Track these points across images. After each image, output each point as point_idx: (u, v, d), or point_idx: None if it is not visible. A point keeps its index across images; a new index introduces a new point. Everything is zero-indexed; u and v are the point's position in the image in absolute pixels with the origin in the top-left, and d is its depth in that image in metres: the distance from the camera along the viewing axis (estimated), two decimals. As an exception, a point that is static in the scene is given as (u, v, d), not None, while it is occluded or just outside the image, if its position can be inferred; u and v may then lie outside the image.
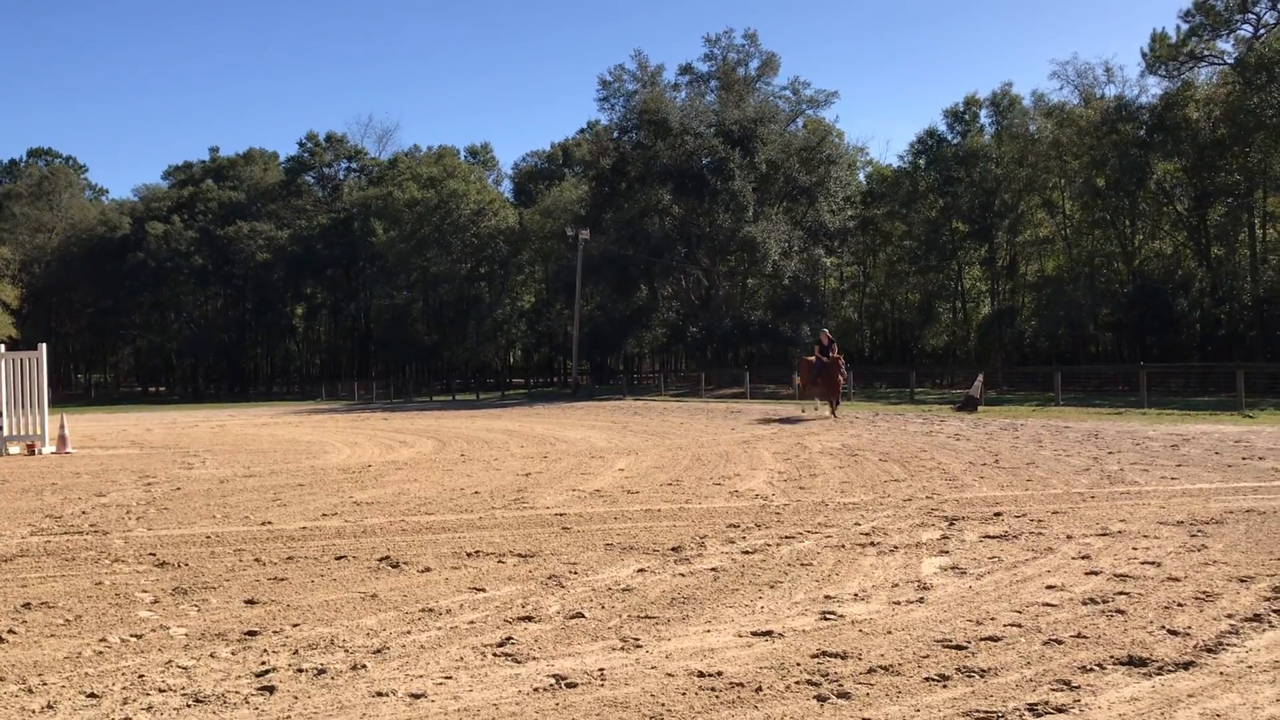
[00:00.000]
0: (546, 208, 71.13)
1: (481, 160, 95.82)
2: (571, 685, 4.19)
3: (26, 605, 5.85)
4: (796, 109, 60.12)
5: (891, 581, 6.10)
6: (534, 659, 4.60)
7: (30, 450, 18.63)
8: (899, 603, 5.55)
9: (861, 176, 68.04)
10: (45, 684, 4.34)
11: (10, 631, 5.25)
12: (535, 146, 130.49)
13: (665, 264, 55.78)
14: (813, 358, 25.89)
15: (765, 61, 60.25)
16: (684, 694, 4.06)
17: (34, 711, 3.98)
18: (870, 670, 4.33)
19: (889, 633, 4.93)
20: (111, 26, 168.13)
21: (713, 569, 6.54)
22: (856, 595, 5.75)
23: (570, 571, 6.55)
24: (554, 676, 4.31)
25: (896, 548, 7.16)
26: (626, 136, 58.55)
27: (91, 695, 4.18)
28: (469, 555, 7.18)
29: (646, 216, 56.54)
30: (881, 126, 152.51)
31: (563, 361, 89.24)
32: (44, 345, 19.86)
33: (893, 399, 37.81)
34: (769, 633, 4.96)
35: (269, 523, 8.94)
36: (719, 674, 4.30)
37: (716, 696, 4.02)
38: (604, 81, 58.88)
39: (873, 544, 7.31)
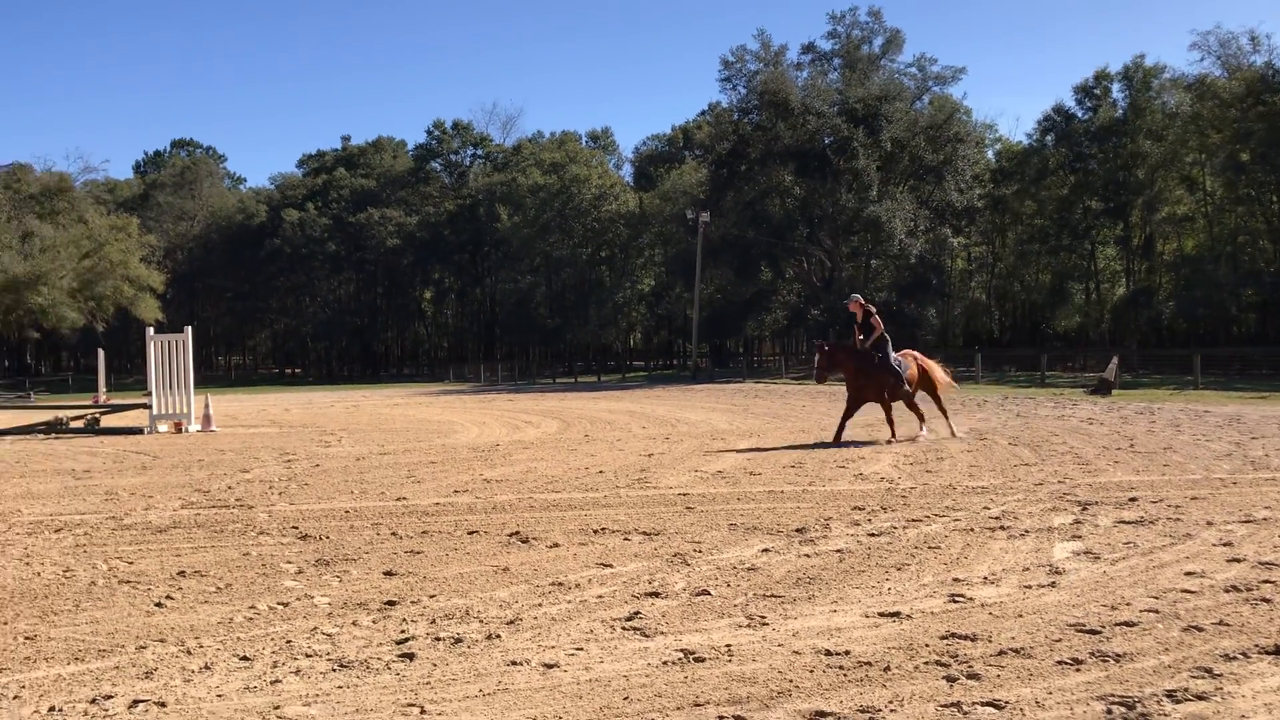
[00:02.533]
0: (666, 191, 71.24)
1: (602, 145, 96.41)
2: (699, 660, 4.26)
3: (181, 573, 6.19)
4: (922, 86, 58.85)
5: (1022, 565, 6.00)
6: (662, 634, 4.68)
7: (178, 428, 19.56)
8: (1030, 586, 5.47)
9: (990, 154, 66.26)
10: (202, 646, 4.61)
11: (168, 597, 5.57)
12: (655, 130, 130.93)
13: (786, 246, 55.38)
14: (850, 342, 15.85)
15: (890, 38, 59.08)
16: (811, 671, 4.09)
17: (193, 671, 4.23)
18: (1001, 652, 4.29)
19: (1020, 616, 4.87)
20: (250, 21, 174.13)
21: (838, 550, 6.53)
22: (986, 579, 5.68)
23: (695, 550, 6.62)
24: (682, 651, 4.38)
25: (1027, 532, 7.04)
26: (747, 118, 58.18)
27: (244, 658, 4.41)
28: (595, 532, 7.32)
29: (767, 198, 56.17)
30: (1011, 103, 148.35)
31: (682, 344, 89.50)
32: (189, 328, 20.80)
33: (1022, 382, 36.88)
34: (896, 614, 4.95)
35: (404, 498, 9.24)
36: (846, 653, 4.32)
37: (844, 674, 4.04)
38: (726, 62, 58.54)
39: (1002, 528, 7.20)
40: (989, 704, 3.69)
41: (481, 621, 4.92)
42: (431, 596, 5.47)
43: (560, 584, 5.70)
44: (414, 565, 6.30)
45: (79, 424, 20.83)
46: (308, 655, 4.42)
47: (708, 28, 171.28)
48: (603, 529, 7.43)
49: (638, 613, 5.03)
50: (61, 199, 52.58)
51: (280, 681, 4.07)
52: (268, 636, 4.74)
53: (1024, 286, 64.34)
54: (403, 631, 4.78)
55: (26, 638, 4.80)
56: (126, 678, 4.17)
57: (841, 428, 14.50)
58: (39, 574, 6.27)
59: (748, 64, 58.09)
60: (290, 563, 6.44)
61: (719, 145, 59.53)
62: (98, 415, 21.25)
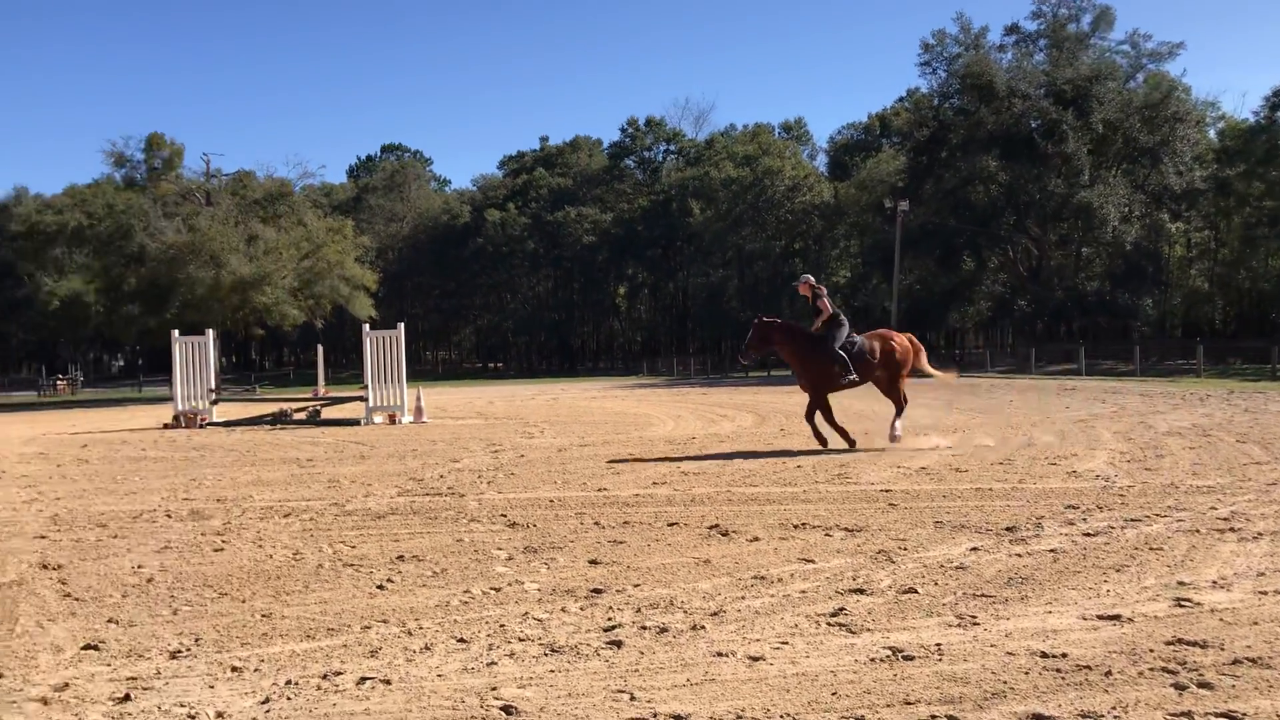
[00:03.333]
0: (862, 180, 69.99)
1: (795, 136, 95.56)
2: (908, 658, 4.18)
3: (400, 558, 6.49)
4: (1136, 64, 55.82)
5: (1256, 570, 5.62)
6: (868, 630, 4.61)
7: (391, 420, 20.52)
8: (1265, 593, 5.11)
9: (1212, 134, 62.15)
10: (421, 628, 4.82)
11: (389, 580, 5.85)
12: (851, 118, 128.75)
13: (990, 234, 53.57)
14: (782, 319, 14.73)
15: (1099, 15, 56.27)
16: (1027, 673, 3.95)
17: (415, 651, 4.43)
18: (1235, 661, 4.03)
19: (1255, 624, 4.56)
20: (454, 32, 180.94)
21: (1051, 550, 6.28)
22: (1215, 583, 5.34)
23: (900, 547, 6.49)
24: (889, 648, 4.30)
25: (1261, 534, 6.58)
26: (948, 102, 56.59)
27: (461, 640, 4.59)
28: (796, 527, 7.27)
29: (970, 185, 54.48)
30: (1235, 78, 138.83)
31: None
32: (401, 325, 21.78)
33: (1250, 376, 34.50)
34: (1116, 617, 4.71)
35: (604, 489, 9.42)
36: (1063, 655, 4.15)
37: (1062, 678, 3.88)
38: (925, 46, 57.09)
39: (1232, 529, 6.76)
40: (1223, 715, 3.47)
41: (686, 612, 4.97)
42: (636, 586, 5.56)
43: (762, 578, 5.69)
44: (617, 555, 6.41)
45: (301, 415, 22.14)
46: (520, 639, 4.57)
47: (904, 13, 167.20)
48: (803, 524, 7.38)
49: (842, 609, 4.97)
50: (282, 203, 55.84)
51: (496, 664, 4.22)
52: (482, 620, 4.92)
53: (1250, 274, 60.08)
54: (609, 619, 4.87)
55: (263, 615, 5.13)
56: (353, 655, 4.41)
57: (812, 423, 13.17)
58: (271, 556, 6.69)
59: (948, 47, 56.50)
60: (500, 549, 6.66)
61: (918, 132, 58.13)
62: (319, 407, 22.54)
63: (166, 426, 21.98)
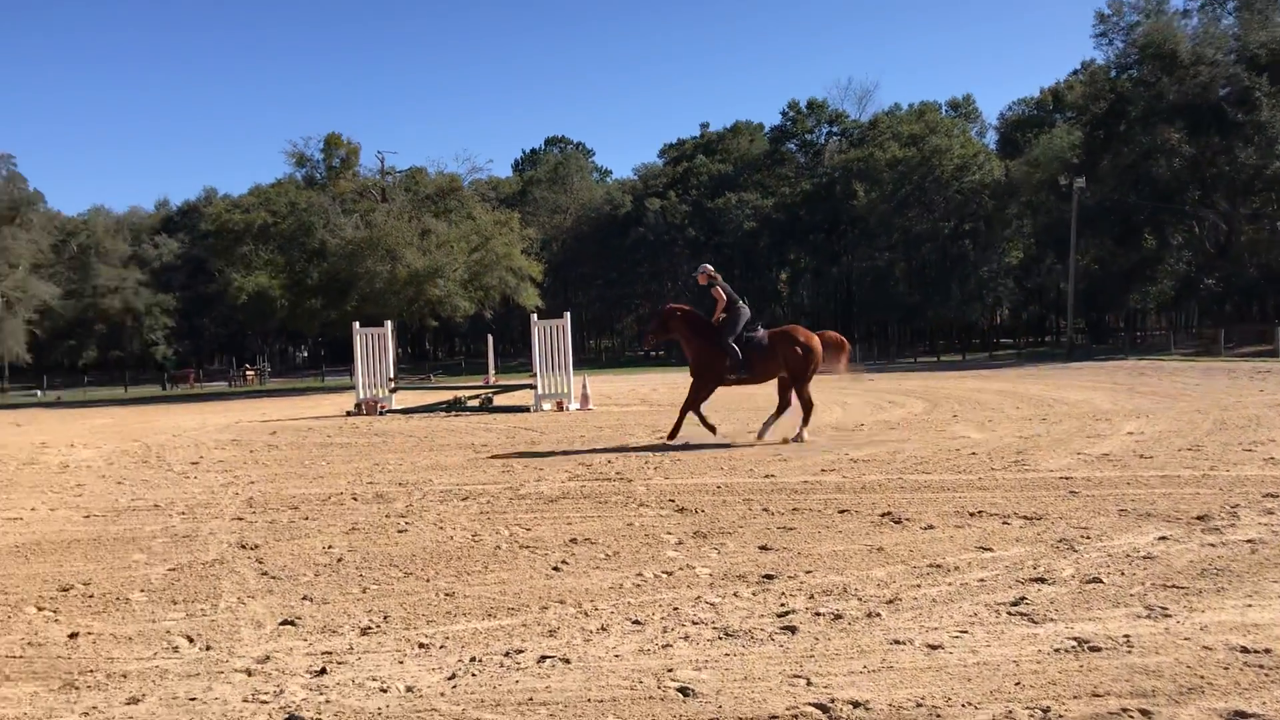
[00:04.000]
0: (1034, 157, 67.34)
1: (963, 113, 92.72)
2: (1095, 649, 4.04)
3: (573, 540, 6.63)
4: (1338, 23, 51.97)
5: None
6: (1051, 620, 4.47)
7: (559, 407, 20.93)
8: None
9: None
10: (597, 609, 4.92)
11: (564, 562, 5.99)
12: (1021, 93, 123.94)
13: (1174, 210, 50.87)
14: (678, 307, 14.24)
15: (1298, -28, 52.62)
16: (1225, 668, 3.76)
17: (591, 632, 4.53)
18: None
19: None
20: (613, 21, 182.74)
21: (1249, 540, 5.95)
22: None
23: (1082, 536, 6.26)
24: (1074, 639, 4.17)
25: None
26: (1126, 73, 53.95)
27: (636, 622, 4.66)
28: (971, 515, 7.09)
29: (1151, 159, 51.81)
30: None
31: (1055, 320, 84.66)
32: (568, 314, 22.17)
33: None
34: (1325, 612, 4.44)
35: (771, 475, 9.39)
36: (1267, 651, 3.93)
37: (1266, 674, 3.69)
38: (1101, 16, 54.52)
39: None
40: None
41: (860, 599, 4.92)
42: (808, 572, 5.53)
43: (938, 566, 5.58)
44: (787, 541, 6.39)
45: (474, 403, 22.80)
46: (694, 622, 4.61)
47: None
48: (979, 511, 7.19)
49: (1023, 598, 4.83)
50: (452, 198, 57.43)
51: (671, 646, 4.27)
52: (655, 603, 4.98)
53: None
54: (782, 605, 4.86)
55: (446, 594, 5.32)
56: (533, 634, 4.53)
57: (697, 413, 13.02)
58: (451, 537, 6.92)
59: (1126, 16, 53.84)
60: (670, 534, 6.73)
61: (1094, 105, 55.62)
62: (490, 395, 23.18)
63: (349, 414, 22.98)
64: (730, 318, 13.09)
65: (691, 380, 13.29)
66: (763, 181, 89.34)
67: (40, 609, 5.39)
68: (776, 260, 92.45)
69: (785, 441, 12.36)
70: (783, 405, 13.08)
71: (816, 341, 13.08)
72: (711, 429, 13.01)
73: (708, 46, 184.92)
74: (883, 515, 7.15)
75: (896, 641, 4.22)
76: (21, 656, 4.52)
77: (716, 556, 6.02)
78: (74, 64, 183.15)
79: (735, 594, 5.11)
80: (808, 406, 12.96)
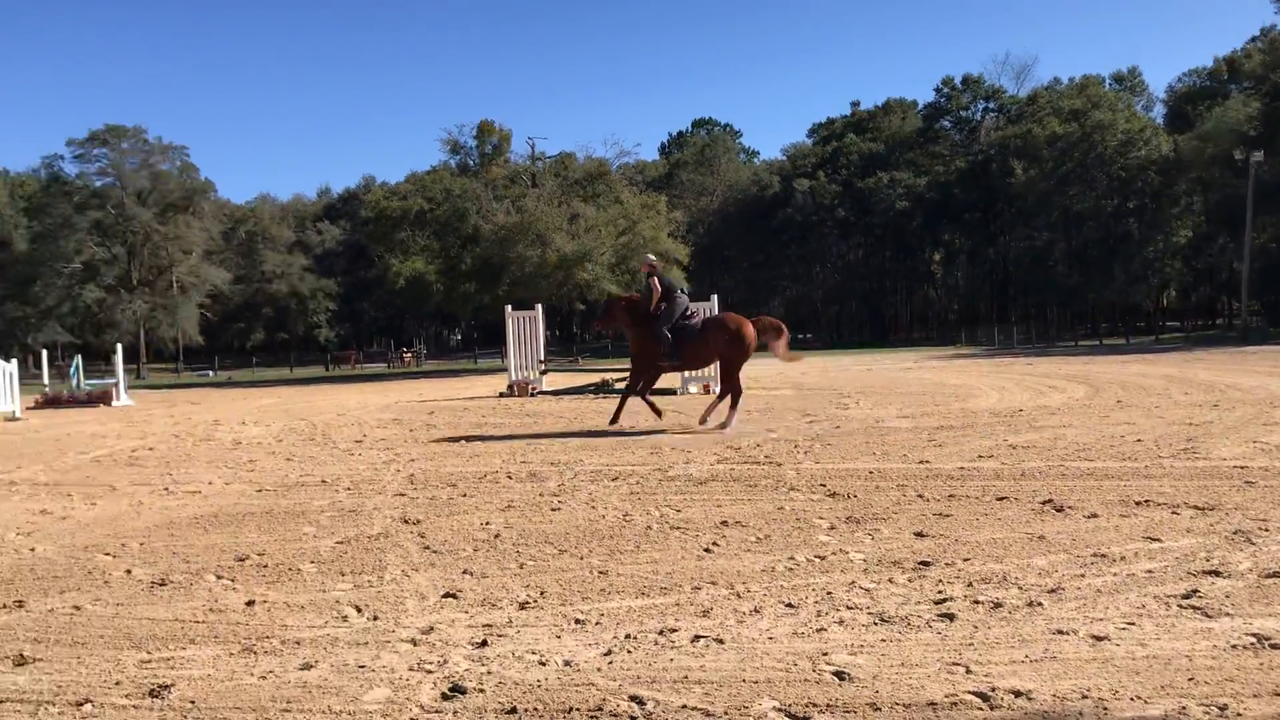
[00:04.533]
0: (1206, 131, 64.02)
1: (1128, 86, 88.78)
2: (1276, 646, 3.84)
3: (724, 523, 6.65)
4: None
5: None
6: (1226, 615, 4.27)
7: (706, 390, 20.97)
8: None
9: None
10: (750, 591, 4.92)
11: (715, 544, 6.01)
12: (1192, 64, 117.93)
13: (1362, 184, 47.67)
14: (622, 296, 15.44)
15: None
16: None
17: (745, 614, 4.54)
18: None
19: None
20: (761, 4, 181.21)
21: None
22: None
23: (1260, 528, 5.95)
24: (1254, 635, 3.97)
25: None
26: (1310, 39, 50.71)
27: (789, 605, 4.65)
28: (1137, 504, 6.82)
29: (1337, 129, 48.69)
30: None
31: (1228, 302, 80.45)
32: (715, 297, 22.15)
33: None
34: None
35: (926, 461, 9.21)
36: None
37: None
38: (1282, -21, 51.41)
39: None
40: None
41: (1020, 588, 4.79)
42: (965, 560, 5.42)
43: (1103, 555, 5.39)
44: (944, 528, 6.27)
45: (622, 385, 23.02)
46: (849, 607, 4.57)
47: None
48: (1145, 501, 6.91)
49: (1195, 590, 4.63)
50: (600, 182, 58.08)
51: (825, 630, 4.25)
52: (809, 587, 4.96)
53: None
54: (940, 592, 4.78)
55: (600, 572, 5.41)
56: (686, 614, 4.57)
57: (642, 395, 13.90)
58: (603, 517, 7.03)
59: (1310, -23, 50.58)
60: (822, 519, 6.68)
61: (1273, 74, 52.49)
62: (638, 377, 23.36)
63: (501, 395, 23.52)
64: (667, 308, 13.63)
65: (631, 366, 14.12)
66: (915, 160, 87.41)
67: (219, 577, 5.71)
68: (929, 241, 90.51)
69: (719, 428, 12.94)
70: (733, 392, 13.39)
71: (748, 329, 13.32)
72: (657, 413, 13.73)
73: (859, 24, 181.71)
74: (1043, 503, 6.94)
75: (1059, 631, 4.10)
76: (204, 622, 4.79)
77: (870, 542, 5.95)
78: (242, 62, 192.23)
79: (890, 580, 5.04)
80: (736, 392, 13.30)
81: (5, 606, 5.20)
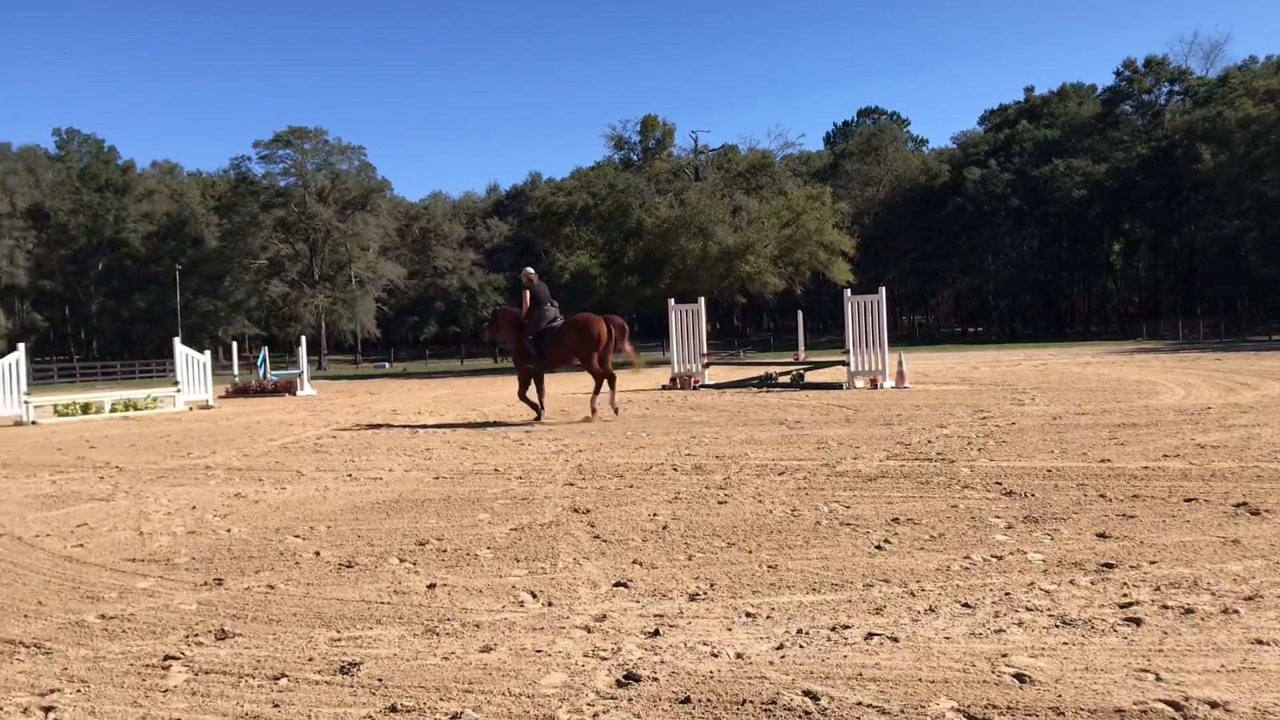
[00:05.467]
0: None
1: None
2: None
3: (895, 520, 6.54)
4: None
5: None
6: None
7: (873, 384, 20.64)
8: None
9: None
10: (924, 590, 4.84)
11: (886, 541, 5.93)
12: None
13: None
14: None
15: None
16: None
17: (919, 612, 4.46)
18: None
19: None
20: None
21: None
22: None
23: None
24: None
25: None
26: None
27: (966, 605, 4.55)
28: (1344, 509, 6.40)
29: None
30: None
31: None
32: (883, 289, 21.77)
33: None
34: None
35: (1107, 460, 8.85)
36: None
37: None
38: None
39: None
40: None
41: (1213, 594, 4.56)
42: (1151, 563, 5.19)
43: (1306, 562, 5.08)
44: (1128, 529, 6.01)
45: (785, 379, 22.89)
46: (1028, 609, 4.44)
47: None
48: (1353, 505, 6.47)
49: None
50: (764, 174, 57.74)
51: (1004, 631, 4.14)
52: (985, 587, 4.84)
53: None
54: (1124, 595, 4.59)
55: (769, 566, 5.40)
56: (858, 611, 4.52)
57: (523, 397, 15.99)
58: (770, 511, 7.01)
59: None
60: (998, 517, 6.50)
61: None
62: (802, 371, 23.19)
63: (664, 388, 23.70)
64: (534, 316, 15.48)
65: (516, 370, 16.31)
66: (1093, 146, 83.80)
67: (401, 560, 5.95)
68: (1108, 230, 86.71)
69: (587, 419, 15.05)
70: (601, 382, 15.63)
71: (597, 326, 15.24)
72: (537, 411, 15.58)
73: (1033, 8, 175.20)
74: (1237, 506, 6.58)
75: (1259, 641, 3.88)
76: (388, 603, 5.00)
77: (1050, 542, 5.76)
78: (415, 66, 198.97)
79: (1072, 582, 4.87)
80: (607, 379, 15.61)
81: (206, 584, 5.54)
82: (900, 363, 21.06)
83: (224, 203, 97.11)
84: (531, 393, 15.91)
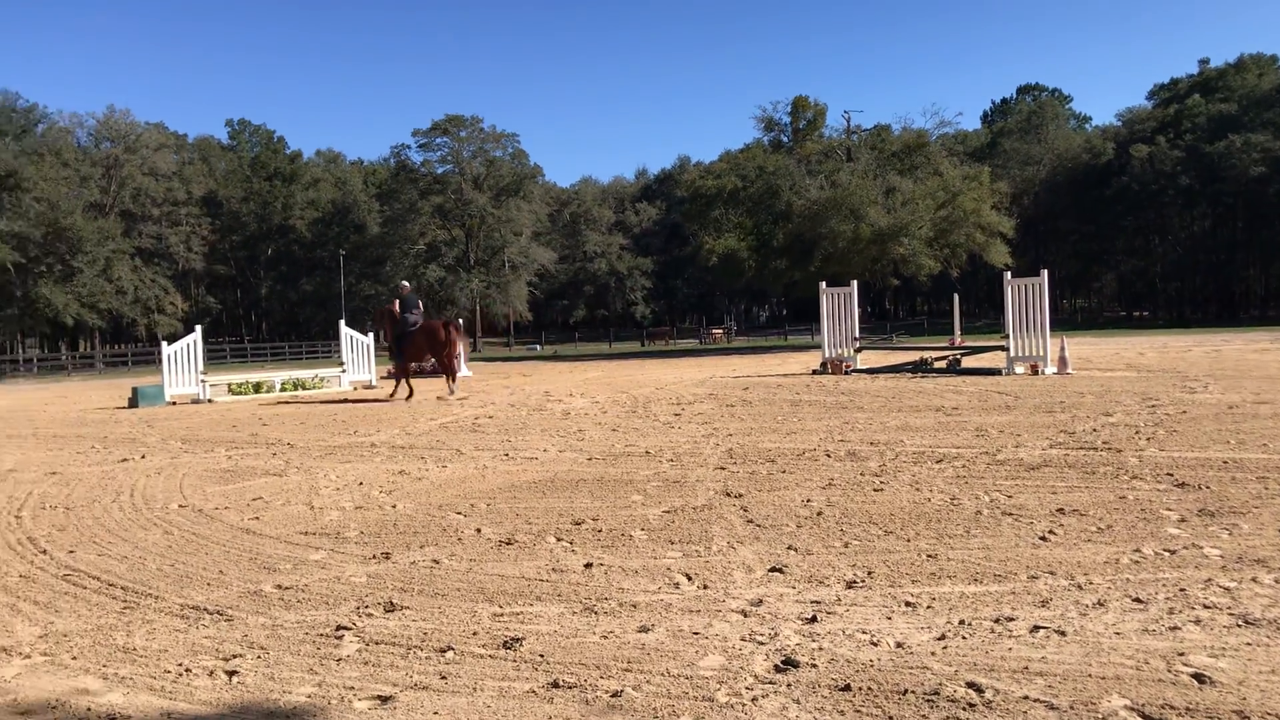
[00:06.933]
0: None
1: None
2: None
3: (1060, 510, 6.33)
4: None
5: None
6: None
7: (1033, 370, 19.99)
8: None
9: None
10: (1092, 583, 4.67)
11: (1050, 532, 5.74)
12: None
13: None
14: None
15: None
16: None
17: (1087, 606, 4.32)
18: None
19: None
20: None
21: None
22: None
23: None
24: None
25: None
26: None
27: (1137, 600, 4.38)
28: None
29: None
30: None
31: None
32: (1045, 272, 21.04)
33: None
34: None
35: (1290, 452, 8.37)
36: None
37: None
38: None
39: None
40: None
41: None
42: (1343, 562, 4.89)
43: None
44: (1315, 526, 5.68)
45: (941, 364, 22.37)
46: (1205, 606, 4.25)
47: None
48: None
49: None
50: (919, 154, 56.32)
51: (1179, 629, 3.97)
52: (1158, 582, 4.65)
53: None
54: (1313, 596, 4.35)
55: (929, 555, 5.31)
56: (1023, 604, 4.40)
57: (399, 381, 19.95)
58: (929, 499, 6.87)
59: None
60: (1170, 510, 6.23)
61: None
62: (958, 356, 22.62)
63: (815, 372, 23.46)
64: (400, 322, 19.58)
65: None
66: (1275, 120, 78.98)
67: (559, 539, 6.06)
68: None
69: (439, 399, 18.47)
70: (446, 372, 19.73)
71: (436, 330, 19.32)
72: (407, 394, 19.08)
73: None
74: None
75: None
76: (547, 580, 5.11)
77: (1228, 537, 5.49)
78: (569, 54, 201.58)
79: (1254, 579, 4.63)
80: (447, 371, 19.71)
81: (375, 558, 5.76)
82: (1062, 348, 20.32)
83: (384, 190, 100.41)
84: (402, 390, 19.58)
